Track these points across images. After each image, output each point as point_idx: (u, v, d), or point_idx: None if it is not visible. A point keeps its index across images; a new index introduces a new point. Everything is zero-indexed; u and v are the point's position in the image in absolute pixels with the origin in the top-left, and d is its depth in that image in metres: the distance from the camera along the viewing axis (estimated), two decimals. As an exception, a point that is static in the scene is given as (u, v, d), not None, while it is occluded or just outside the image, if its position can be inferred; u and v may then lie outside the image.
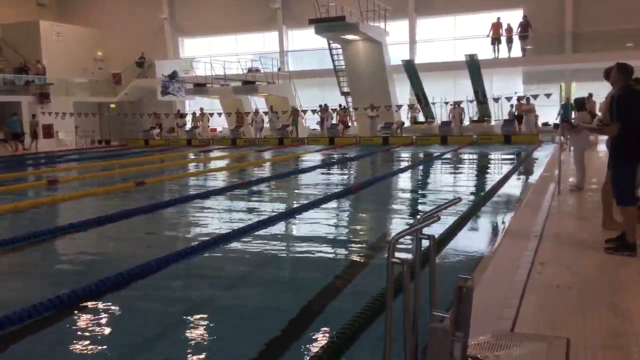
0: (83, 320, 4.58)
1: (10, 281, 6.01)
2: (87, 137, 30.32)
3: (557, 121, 13.60)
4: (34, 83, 28.67)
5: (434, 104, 26.46)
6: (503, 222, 7.90)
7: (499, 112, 25.61)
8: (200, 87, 29.48)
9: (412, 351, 2.77)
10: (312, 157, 19.88)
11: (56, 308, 4.67)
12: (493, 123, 25.82)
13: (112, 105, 32.63)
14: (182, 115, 31.85)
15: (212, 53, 33.24)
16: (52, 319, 4.56)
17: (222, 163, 18.62)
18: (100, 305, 4.91)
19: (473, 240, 7.07)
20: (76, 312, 4.72)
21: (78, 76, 31.93)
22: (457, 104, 25.44)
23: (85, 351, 4.02)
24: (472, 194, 10.72)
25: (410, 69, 26.22)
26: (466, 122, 26.08)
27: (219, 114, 30.78)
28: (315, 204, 9.72)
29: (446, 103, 25.62)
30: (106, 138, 31.62)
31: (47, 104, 28.46)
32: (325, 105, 27.77)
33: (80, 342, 4.15)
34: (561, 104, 10.83)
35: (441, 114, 26.68)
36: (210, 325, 4.48)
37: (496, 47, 27.00)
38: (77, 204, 10.81)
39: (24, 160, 21.60)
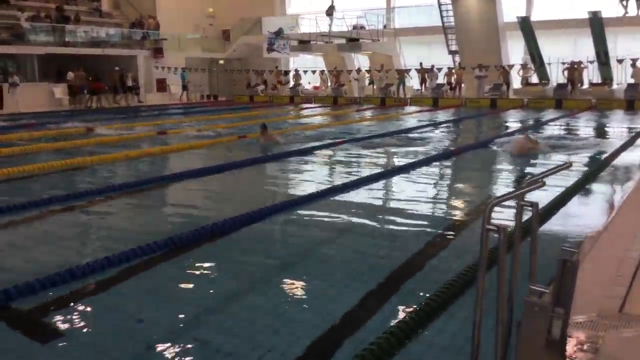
0: (183, 265, 4.73)
1: (113, 226, 6.35)
2: (197, 92, 31.51)
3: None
4: (149, 38, 30.02)
5: (549, 64, 24.82)
6: (619, 194, 7.27)
7: (622, 75, 23.57)
8: (305, 44, 29.49)
9: (506, 325, 2.58)
10: (414, 118, 19.41)
11: (155, 252, 4.87)
12: (615, 87, 23.86)
13: (221, 62, 33.57)
14: (286, 73, 32.15)
15: (318, 10, 33.04)
16: (151, 263, 4.75)
17: (323, 120, 18.62)
18: (208, 250, 5.11)
19: (583, 211, 6.56)
20: (174, 257, 4.89)
21: (190, 32, 33.02)
22: (575, 64, 23.72)
23: (187, 295, 4.17)
24: (586, 161, 9.98)
25: (526, 26, 24.62)
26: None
27: (322, 72, 30.76)
28: (415, 165, 9.48)
29: (563, 63, 23.93)
30: (214, 93, 32.72)
31: (160, 58, 29.75)
32: (432, 65, 26.87)
33: (179, 286, 4.31)
34: None
35: (557, 75, 24.95)
36: (309, 274, 4.58)
37: (625, 3, 24.72)
38: (183, 155, 11.28)
39: (139, 112, 22.82)
